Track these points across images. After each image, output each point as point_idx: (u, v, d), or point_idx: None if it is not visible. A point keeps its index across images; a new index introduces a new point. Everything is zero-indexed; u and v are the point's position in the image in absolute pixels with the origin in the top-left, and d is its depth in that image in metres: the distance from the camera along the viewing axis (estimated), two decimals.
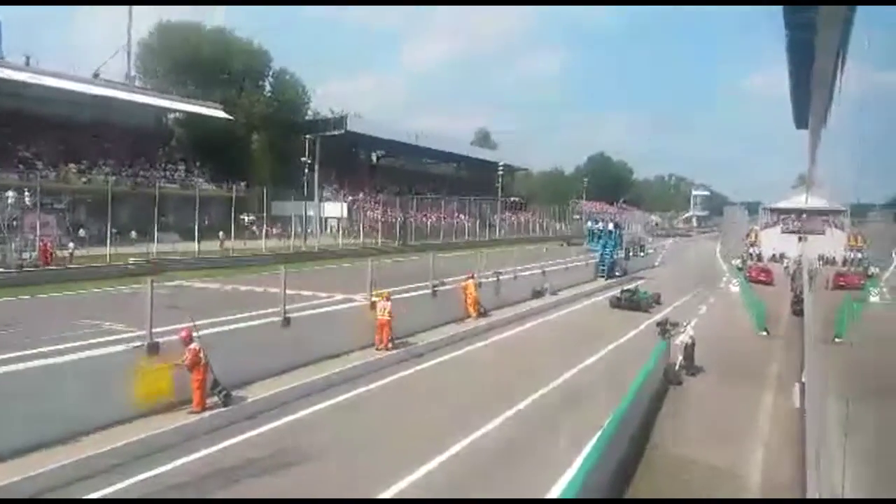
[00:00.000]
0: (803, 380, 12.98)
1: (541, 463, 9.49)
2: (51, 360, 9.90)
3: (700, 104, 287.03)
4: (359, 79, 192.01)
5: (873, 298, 33.34)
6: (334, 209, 58.92)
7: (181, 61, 59.48)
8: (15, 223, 30.37)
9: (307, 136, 58.77)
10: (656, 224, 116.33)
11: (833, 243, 59.22)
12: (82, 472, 8.33)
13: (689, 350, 15.56)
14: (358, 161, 75.51)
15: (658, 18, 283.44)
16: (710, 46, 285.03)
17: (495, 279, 23.79)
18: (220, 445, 9.70)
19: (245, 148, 64.00)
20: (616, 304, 25.52)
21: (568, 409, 12.12)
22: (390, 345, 15.56)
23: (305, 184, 52.64)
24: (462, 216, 68.19)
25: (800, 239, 60.68)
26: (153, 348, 10.69)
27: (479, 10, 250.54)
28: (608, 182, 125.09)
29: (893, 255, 54.50)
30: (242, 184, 49.57)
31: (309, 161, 56.06)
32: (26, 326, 15.85)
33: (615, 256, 36.09)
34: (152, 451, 9.17)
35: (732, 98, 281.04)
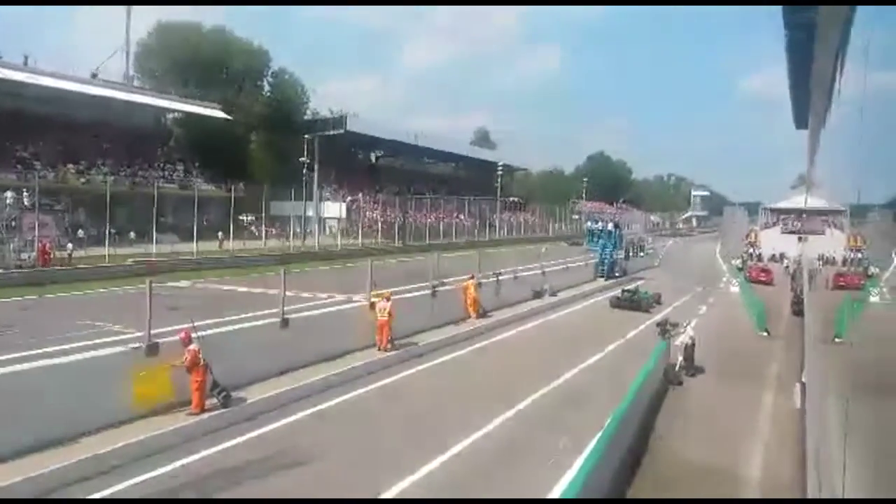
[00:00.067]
0: (803, 380, 12.97)
1: (541, 461, 9.50)
2: (50, 362, 9.89)
3: (700, 104, 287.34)
4: (358, 79, 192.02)
5: (873, 298, 33.36)
6: (333, 209, 58.85)
7: (180, 61, 59.46)
8: (13, 224, 30.35)
9: (306, 135, 58.71)
10: (656, 224, 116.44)
11: (833, 243, 59.26)
12: (82, 472, 8.31)
13: (689, 350, 15.54)
14: (357, 161, 75.51)
15: (658, 18, 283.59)
16: (709, 46, 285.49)
17: (495, 280, 23.77)
18: (220, 447, 9.67)
19: (244, 148, 63.95)
20: (617, 304, 25.54)
21: (568, 409, 12.10)
22: (390, 346, 15.53)
23: (304, 184, 52.56)
24: (461, 216, 68.20)
25: (799, 239, 60.73)
26: (152, 349, 10.67)
27: (479, 10, 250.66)
28: (608, 182, 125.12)
29: (893, 255, 54.53)
30: (241, 184, 49.55)
31: (308, 161, 55.95)
32: (25, 327, 15.85)
33: (615, 257, 36.06)
34: (151, 452, 9.15)
35: (732, 98, 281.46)
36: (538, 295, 25.93)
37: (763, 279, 38.43)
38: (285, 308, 13.93)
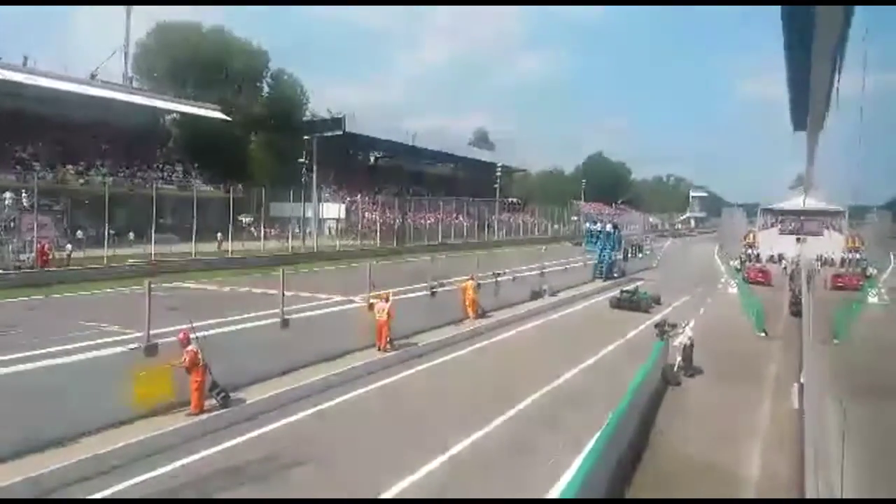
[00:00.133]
0: (802, 381, 12.99)
1: (542, 460, 9.54)
2: (49, 362, 9.89)
3: (698, 105, 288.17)
4: (357, 79, 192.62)
5: (872, 299, 33.40)
6: (332, 210, 58.85)
7: (179, 61, 59.42)
8: (12, 224, 30.33)
9: (305, 136, 58.74)
10: (655, 225, 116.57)
11: (831, 244, 59.32)
12: (82, 473, 8.32)
13: (687, 351, 15.55)
14: (356, 162, 75.54)
15: (656, 20, 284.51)
16: (708, 48, 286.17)
17: (494, 280, 23.79)
18: (219, 447, 9.68)
19: (243, 149, 63.90)
20: (616, 304, 25.60)
21: (568, 409, 12.12)
22: (389, 346, 15.55)
23: (303, 185, 52.55)
24: (460, 217, 68.23)
25: (798, 240, 60.81)
26: (151, 350, 10.68)
27: (478, 11, 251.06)
28: (607, 182, 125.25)
29: (892, 256, 54.57)
30: (240, 185, 49.51)
31: (307, 162, 56.01)
32: (24, 328, 15.84)
33: (613, 257, 36.12)
34: (151, 452, 9.17)
35: (731, 99, 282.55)
36: (537, 295, 25.97)
37: (761, 280, 38.50)
38: (285, 308, 13.94)
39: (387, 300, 15.76)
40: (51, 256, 28.84)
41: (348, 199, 60.97)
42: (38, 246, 28.62)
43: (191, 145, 56.82)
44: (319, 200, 59.73)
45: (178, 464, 8.99)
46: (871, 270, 47.69)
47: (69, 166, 42.72)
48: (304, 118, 66.86)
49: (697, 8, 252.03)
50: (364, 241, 49.95)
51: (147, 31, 60.65)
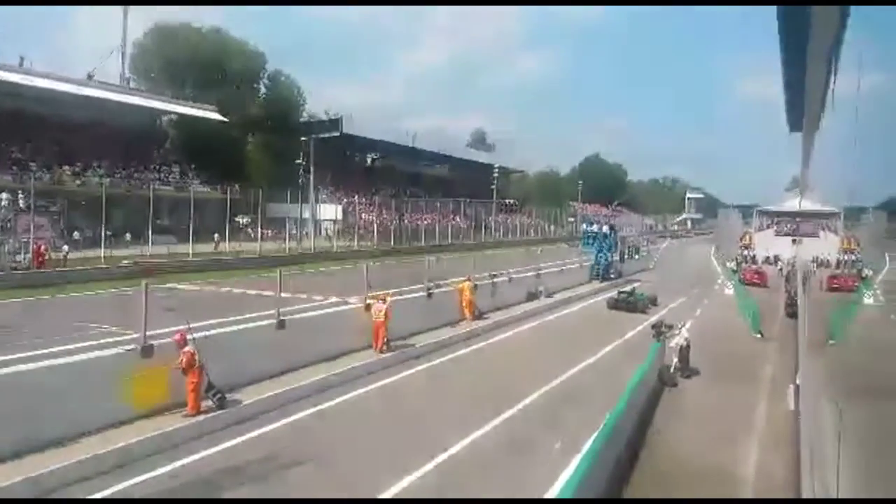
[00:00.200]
0: (797, 382, 13.04)
1: (541, 460, 9.58)
2: (46, 363, 9.89)
3: (695, 107, 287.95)
4: (355, 80, 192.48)
5: (867, 300, 33.56)
6: (329, 211, 58.76)
7: (177, 62, 59.26)
8: (8, 225, 30.26)
9: (302, 137, 58.69)
10: (651, 227, 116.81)
11: (827, 245, 59.53)
12: (81, 473, 8.33)
13: (683, 352, 15.60)
14: (353, 163, 75.48)
15: (654, 21, 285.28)
16: (705, 49, 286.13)
17: (490, 282, 23.81)
18: (215, 449, 9.68)
19: (240, 150, 63.78)
20: (613, 305, 25.68)
21: (566, 409, 12.15)
22: (385, 347, 15.54)
23: (301, 186, 52.51)
24: (457, 218, 68.28)
25: (794, 241, 60.99)
26: (147, 351, 10.68)
27: (477, 11, 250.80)
28: (603, 184, 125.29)
29: (887, 257, 54.73)
30: (237, 186, 49.45)
31: (304, 163, 55.96)
32: (21, 330, 15.78)
33: (610, 259, 36.21)
34: (150, 453, 9.17)
35: (728, 101, 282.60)
36: (533, 297, 26.01)
37: (757, 281, 38.66)
38: (281, 310, 13.94)
39: (384, 301, 15.76)
40: (47, 257, 28.76)
41: (345, 200, 60.95)
42: (35, 247, 28.54)
43: (188, 146, 56.71)
44: (316, 201, 59.65)
45: (178, 464, 9.00)
46: (867, 272, 47.92)
47: (66, 167, 42.60)
48: (302, 119, 66.81)
49: (695, 9, 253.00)
50: (361, 243, 49.95)
51: (144, 31, 60.56)
